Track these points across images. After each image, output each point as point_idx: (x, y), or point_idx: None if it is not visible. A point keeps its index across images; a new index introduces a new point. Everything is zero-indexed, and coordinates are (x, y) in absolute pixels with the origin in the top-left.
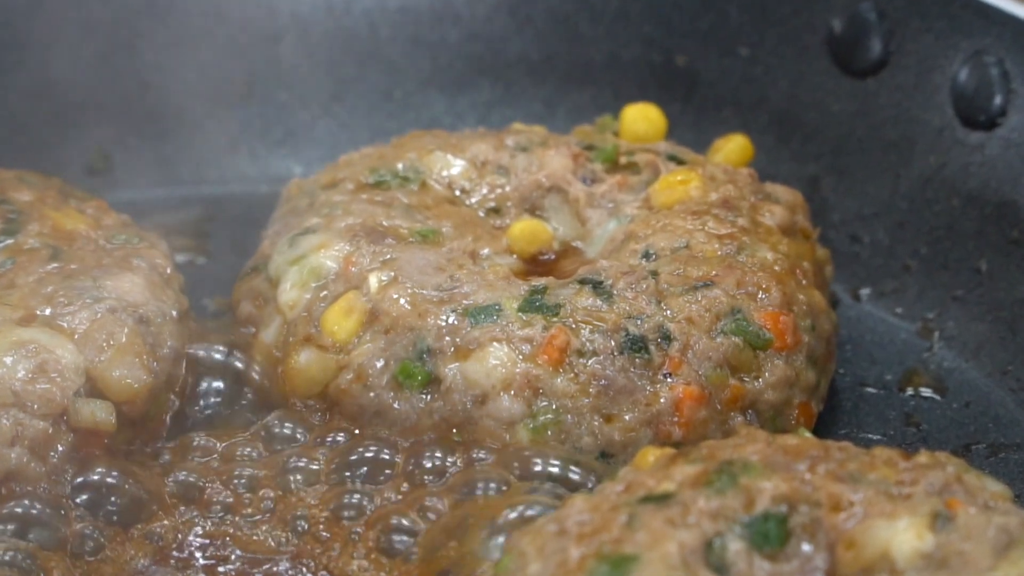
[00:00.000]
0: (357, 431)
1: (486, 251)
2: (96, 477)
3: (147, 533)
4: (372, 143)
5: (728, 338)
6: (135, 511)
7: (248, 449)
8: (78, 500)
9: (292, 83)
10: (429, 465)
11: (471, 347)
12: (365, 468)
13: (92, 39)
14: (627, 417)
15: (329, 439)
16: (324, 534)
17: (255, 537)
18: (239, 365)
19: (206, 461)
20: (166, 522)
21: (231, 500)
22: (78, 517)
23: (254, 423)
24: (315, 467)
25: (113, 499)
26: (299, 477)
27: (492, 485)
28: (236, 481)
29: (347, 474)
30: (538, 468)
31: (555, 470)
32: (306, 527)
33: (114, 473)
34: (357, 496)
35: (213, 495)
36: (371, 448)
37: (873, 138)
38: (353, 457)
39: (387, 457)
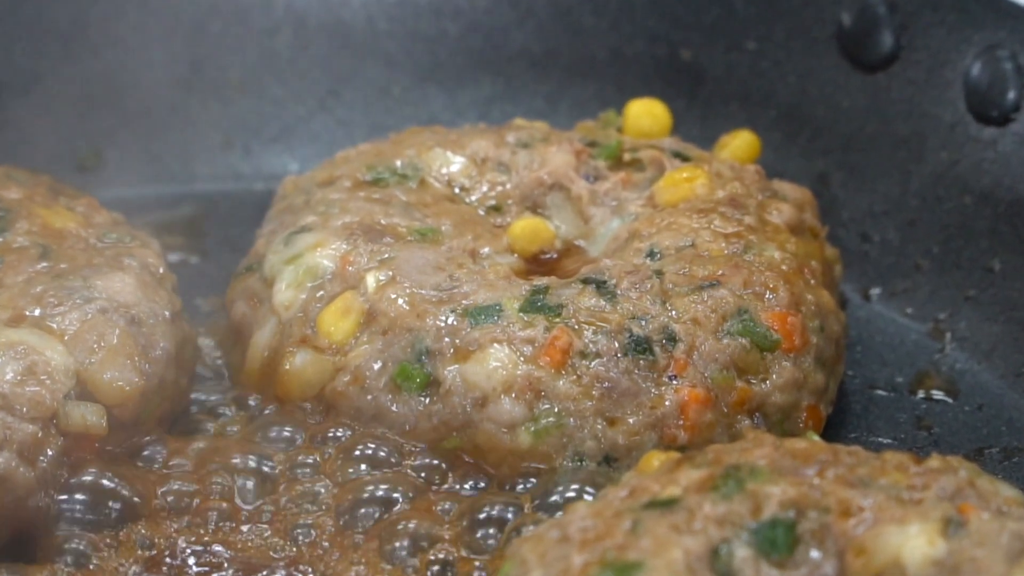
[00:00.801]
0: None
1: (486, 250)
2: (88, 479)
3: (139, 540)
4: (369, 139)
5: (735, 339)
6: (125, 518)
7: (241, 453)
8: (67, 506)
9: (288, 78)
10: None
11: (471, 348)
12: (364, 466)
13: (82, 32)
14: (631, 420)
15: (330, 434)
16: (324, 542)
17: (250, 543)
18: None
19: (199, 466)
20: (158, 528)
21: (226, 506)
22: (66, 524)
23: (248, 424)
24: (313, 462)
25: (102, 506)
26: (299, 477)
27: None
28: (231, 486)
29: (350, 470)
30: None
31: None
32: (304, 534)
33: (105, 476)
34: (358, 499)
35: (207, 501)
36: (370, 445)
37: (884, 134)
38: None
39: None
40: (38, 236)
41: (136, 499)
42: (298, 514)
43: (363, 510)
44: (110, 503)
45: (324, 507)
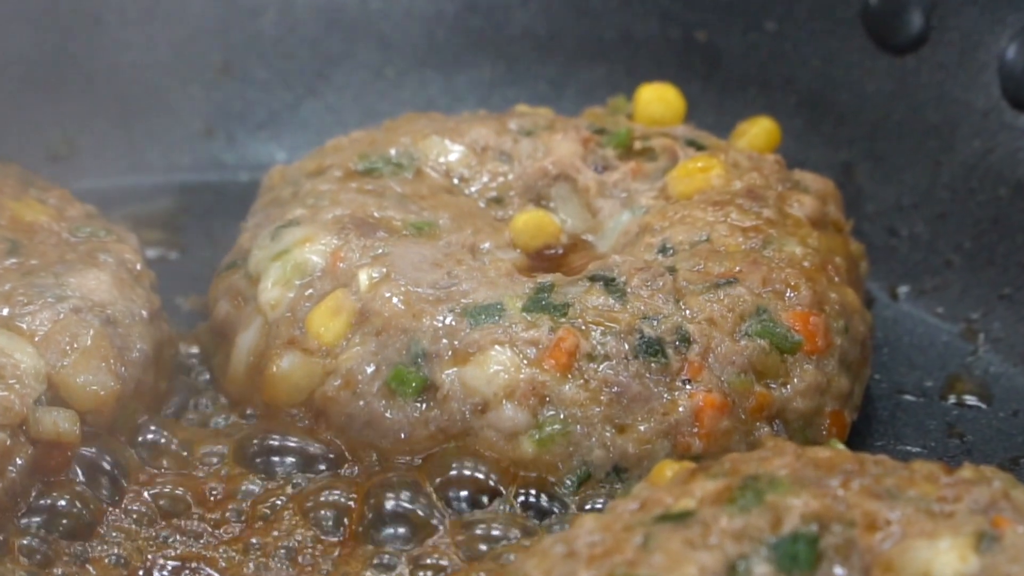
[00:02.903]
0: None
1: (487, 245)
2: (50, 498)
3: (115, 559)
4: (362, 126)
5: (753, 340)
6: (90, 532)
7: (222, 458)
8: (33, 521)
9: (274, 60)
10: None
11: (470, 350)
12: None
13: (54, 12)
14: (642, 427)
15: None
16: (311, 557)
17: (233, 559)
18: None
19: (180, 475)
20: (132, 543)
21: (207, 522)
22: (32, 538)
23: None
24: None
25: (67, 521)
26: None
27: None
28: (212, 497)
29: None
30: None
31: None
32: (286, 547)
33: (66, 496)
34: (335, 499)
35: (185, 517)
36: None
37: (912, 121)
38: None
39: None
40: (7, 230)
41: (103, 515)
42: (281, 536)
43: (343, 520)
44: (75, 519)
45: (304, 517)
